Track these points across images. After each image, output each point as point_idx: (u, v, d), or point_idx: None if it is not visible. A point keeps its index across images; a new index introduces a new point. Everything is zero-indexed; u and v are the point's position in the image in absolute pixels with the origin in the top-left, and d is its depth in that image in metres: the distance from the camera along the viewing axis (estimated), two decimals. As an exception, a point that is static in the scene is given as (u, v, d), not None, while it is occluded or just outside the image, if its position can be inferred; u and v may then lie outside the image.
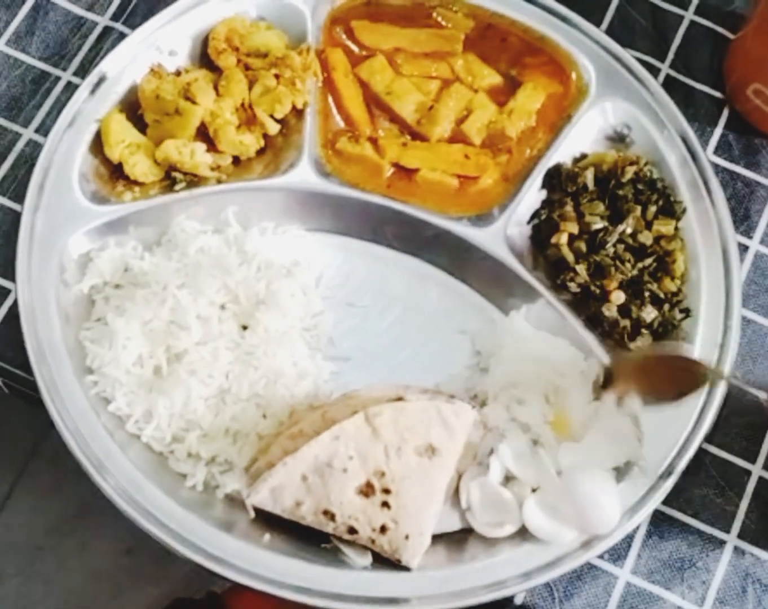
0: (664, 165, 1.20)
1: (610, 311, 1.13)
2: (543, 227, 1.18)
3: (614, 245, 1.15)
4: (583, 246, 1.15)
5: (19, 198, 1.16)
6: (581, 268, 1.14)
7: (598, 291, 1.13)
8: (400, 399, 1.04)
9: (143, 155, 1.16)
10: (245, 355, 1.09)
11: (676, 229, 1.17)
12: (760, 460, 1.14)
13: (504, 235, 1.16)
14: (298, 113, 1.20)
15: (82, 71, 1.26)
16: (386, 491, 1.00)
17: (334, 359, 1.14)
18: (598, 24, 1.29)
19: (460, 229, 1.16)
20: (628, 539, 1.09)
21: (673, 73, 1.31)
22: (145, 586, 2.07)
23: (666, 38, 1.33)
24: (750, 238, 1.24)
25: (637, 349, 1.11)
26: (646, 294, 1.13)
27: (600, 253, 1.14)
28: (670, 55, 1.32)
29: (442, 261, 1.19)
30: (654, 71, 1.29)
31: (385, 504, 1.00)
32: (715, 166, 1.24)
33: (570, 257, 1.15)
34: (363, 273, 1.19)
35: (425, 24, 1.27)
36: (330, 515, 1.00)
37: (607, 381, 1.08)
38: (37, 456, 2.17)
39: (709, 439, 1.10)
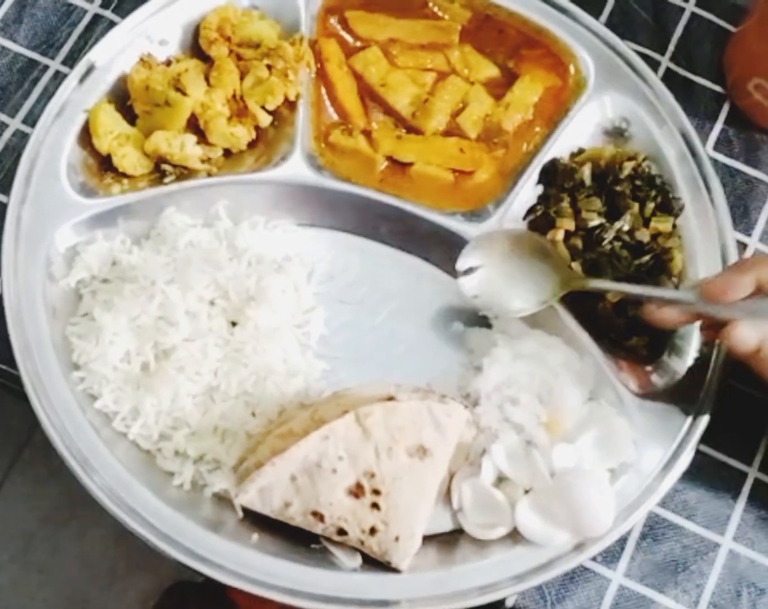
0: (663, 160, 1.18)
1: (605, 309, 1.11)
2: (539, 223, 1.16)
3: (611, 242, 1.13)
4: (579, 243, 1.13)
5: (6, 189, 1.13)
6: (577, 265, 1.12)
7: (594, 289, 1.12)
8: (391, 398, 1.03)
9: (132, 147, 1.14)
10: (234, 352, 1.07)
11: (674, 226, 1.15)
12: (756, 461, 1.12)
13: (499, 231, 1.14)
14: (290, 105, 1.18)
15: (71, 60, 1.24)
16: (376, 492, 0.99)
17: (325, 357, 1.12)
18: (597, 16, 1.27)
19: (454, 225, 1.14)
20: (622, 541, 1.08)
21: (673, 67, 1.28)
22: (140, 574, 2.07)
23: (666, 31, 1.30)
24: (749, 235, 1.22)
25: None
26: (643, 292, 1.12)
27: (596, 251, 1.13)
28: (671, 48, 1.29)
29: (435, 257, 1.17)
30: (654, 65, 1.26)
31: (375, 505, 0.99)
32: (715, 162, 1.22)
33: (566, 254, 1.13)
34: (355, 269, 1.17)
35: (421, 15, 1.25)
36: (319, 516, 0.99)
37: None
38: (31, 444, 2.17)
39: (705, 440, 1.08)
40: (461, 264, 1.12)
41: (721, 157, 1.25)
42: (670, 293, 1.05)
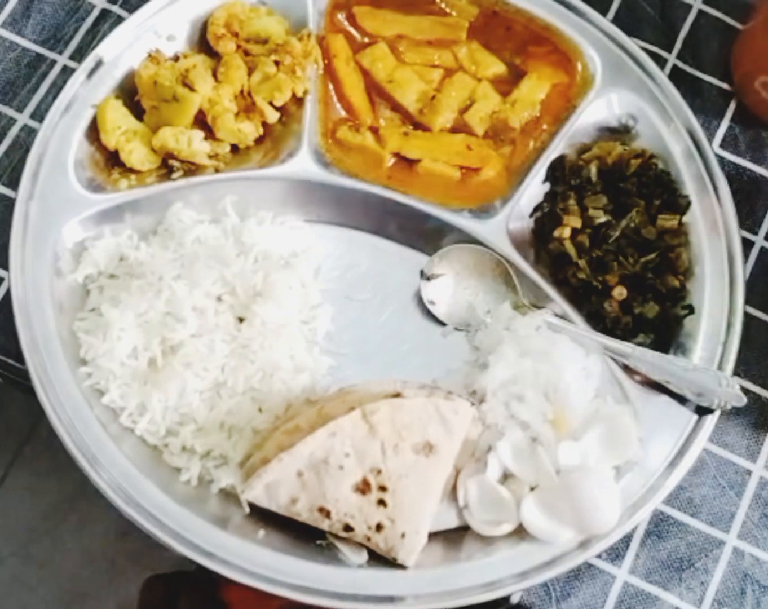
0: (670, 158, 1.19)
1: (611, 307, 1.11)
2: (545, 221, 1.16)
3: (617, 240, 1.13)
4: (585, 240, 1.13)
5: (14, 184, 1.14)
6: (583, 263, 1.13)
7: (600, 286, 1.12)
8: (397, 395, 1.03)
9: (140, 142, 1.15)
10: (241, 349, 1.07)
11: (681, 224, 1.15)
12: (761, 460, 1.13)
13: (506, 228, 1.14)
14: (297, 101, 1.18)
15: (79, 55, 1.24)
16: (383, 489, 0.99)
17: (332, 353, 1.12)
18: (604, 13, 1.27)
19: (461, 222, 1.15)
20: (627, 539, 1.08)
21: (680, 64, 1.29)
22: (141, 568, 2.06)
23: (673, 28, 1.30)
24: (755, 233, 1.22)
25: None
26: (649, 290, 1.12)
27: (603, 248, 1.13)
28: (678, 46, 1.30)
29: (442, 254, 1.18)
30: (661, 62, 1.27)
31: (382, 502, 0.99)
32: (721, 160, 1.23)
33: (572, 252, 1.13)
34: (362, 265, 1.17)
35: (429, 11, 1.25)
36: (325, 512, 0.99)
37: None
38: (33, 439, 2.17)
39: (710, 438, 1.09)
40: (427, 269, 1.16)
41: (728, 155, 1.25)
42: (614, 343, 1.09)
